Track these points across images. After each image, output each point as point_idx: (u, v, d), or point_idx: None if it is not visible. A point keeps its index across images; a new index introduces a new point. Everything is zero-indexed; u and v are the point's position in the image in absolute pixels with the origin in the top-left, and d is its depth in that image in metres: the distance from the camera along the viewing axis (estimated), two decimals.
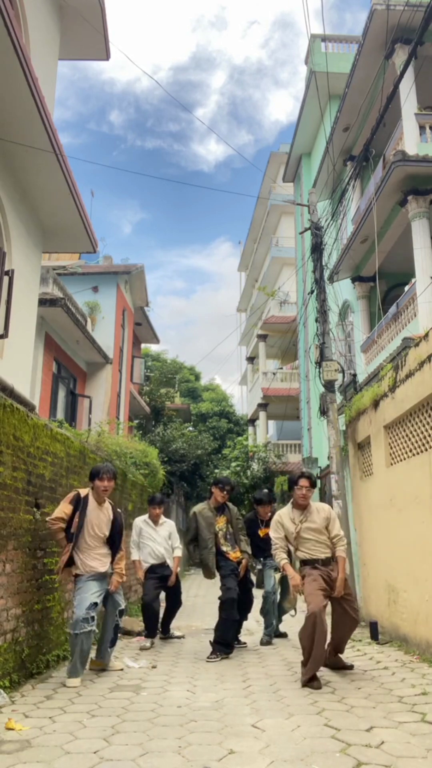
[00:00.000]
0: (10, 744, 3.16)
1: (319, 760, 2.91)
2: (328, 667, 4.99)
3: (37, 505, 5.10)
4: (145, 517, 7.05)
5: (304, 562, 4.99)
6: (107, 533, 5.10)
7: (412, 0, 10.35)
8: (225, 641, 5.80)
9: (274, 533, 5.15)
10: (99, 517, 5.05)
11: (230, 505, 6.38)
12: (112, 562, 5.13)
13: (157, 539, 6.84)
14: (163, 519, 7.03)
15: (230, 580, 5.94)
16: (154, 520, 6.98)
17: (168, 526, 7.01)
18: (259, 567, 7.00)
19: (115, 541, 5.15)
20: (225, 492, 6.28)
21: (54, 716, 3.69)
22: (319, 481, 14.14)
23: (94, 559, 4.96)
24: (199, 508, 6.30)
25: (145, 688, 4.49)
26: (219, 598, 5.98)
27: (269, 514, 7.04)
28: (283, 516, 5.14)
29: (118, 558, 5.18)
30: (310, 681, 4.47)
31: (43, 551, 5.17)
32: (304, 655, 4.60)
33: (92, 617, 4.67)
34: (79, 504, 4.97)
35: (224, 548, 6.11)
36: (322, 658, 4.61)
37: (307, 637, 4.53)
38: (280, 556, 5.06)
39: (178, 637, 6.95)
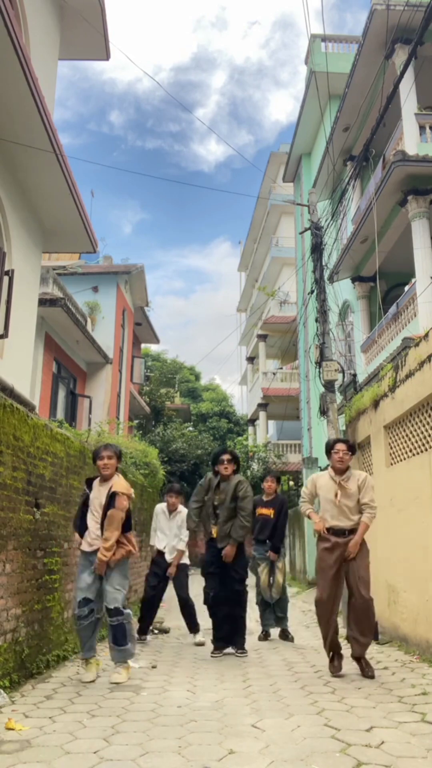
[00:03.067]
0: (10, 744, 3.15)
1: (319, 760, 2.91)
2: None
3: (37, 505, 5.09)
4: (164, 504, 6.96)
5: (329, 530, 4.93)
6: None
7: (412, 0, 10.35)
8: (215, 638, 5.79)
9: (304, 489, 5.20)
10: (99, 495, 4.95)
11: (237, 477, 5.87)
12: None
13: (166, 531, 6.77)
14: (180, 509, 6.89)
15: (209, 581, 5.78)
16: (170, 510, 6.88)
17: (182, 516, 6.83)
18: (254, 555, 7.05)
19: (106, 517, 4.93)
20: (225, 464, 5.83)
21: (54, 716, 3.69)
22: None
23: (90, 537, 4.89)
24: (206, 480, 6.01)
25: (145, 688, 4.49)
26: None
27: (274, 492, 7.10)
28: (320, 477, 5.14)
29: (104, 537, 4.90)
30: (330, 663, 4.92)
31: (43, 551, 5.17)
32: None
33: (86, 613, 4.70)
34: (89, 487, 5.05)
35: (211, 524, 5.82)
36: (327, 638, 4.90)
37: (318, 622, 5.01)
38: (306, 507, 5.14)
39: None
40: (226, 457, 5.86)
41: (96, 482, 5.06)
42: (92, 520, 4.93)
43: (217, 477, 5.92)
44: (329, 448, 5.13)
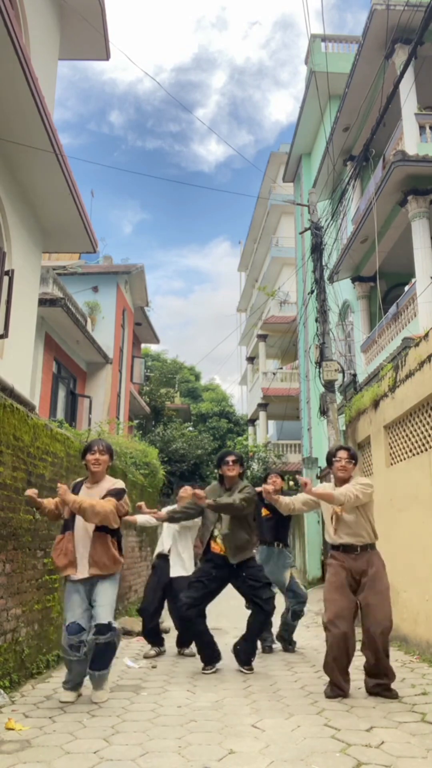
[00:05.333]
0: (10, 744, 3.16)
1: (319, 760, 2.91)
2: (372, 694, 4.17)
3: None
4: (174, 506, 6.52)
5: (338, 548, 4.40)
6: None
7: (412, 0, 10.35)
8: (207, 655, 5.09)
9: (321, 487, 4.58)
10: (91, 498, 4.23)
11: (243, 483, 5.33)
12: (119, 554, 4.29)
13: (173, 531, 6.16)
14: None
15: (191, 590, 5.02)
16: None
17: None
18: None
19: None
20: (230, 465, 5.22)
21: (54, 716, 3.69)
22: (319, 481, 14.14)
23: (84, 557, 4.18)
24: (210, 487, 5.44)
25: (145, 688, 4.49)
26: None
27: (280, 490, 6.51)
28: (327, 487, 4.60)
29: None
30: (328, 687, 4.20)
31: (43, 551, 5.17)
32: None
33: (81, 642, 4.03)
34: (74, 490, 4.32)
35: (215, 532, 5.16)
36: (330, 667, 4.19)
37: (328, 644, 4.24)
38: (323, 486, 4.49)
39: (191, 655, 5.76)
40: (231, 458, 5.31)
41: (84, 488, 4.36)
42: (82, 530, 4.20)
43: (221, 485, 5.35)
44: (331, 456, 4.71)
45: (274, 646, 6.23)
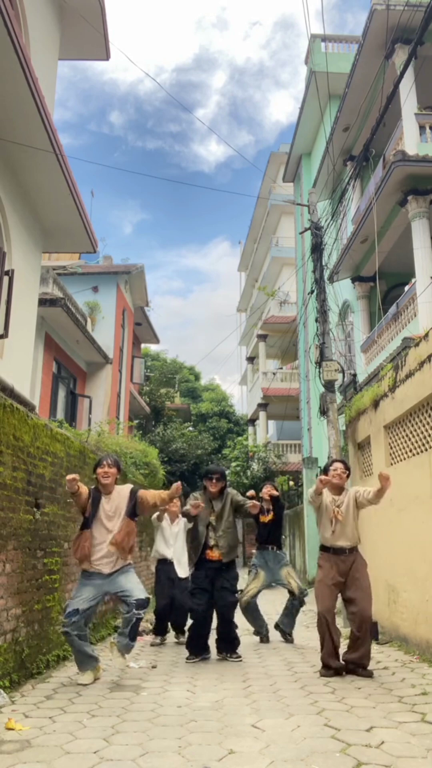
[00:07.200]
0: (10, 744, 3.16)
1: (319, 760, 2.91)
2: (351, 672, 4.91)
3: (37, 505, 5.10)
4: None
5: (329, 549, 5.13)
6: (118, 524, 4.78)
7: (412, 0, 10.35)
8: (190, 646, 5.71)
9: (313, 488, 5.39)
10: (105, 508, 4.79)
11: (230, 491, 5.99)
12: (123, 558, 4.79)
13: (169, 539, 6.78)
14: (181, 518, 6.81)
15: (197, 597, 5.65)
16: (171, 518, 6.85)
17: (183, 522, 6.74)
18: (253, 562, 7.02)
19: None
20: (214, 481, 5.85)
21: (54, 716, 3.69)
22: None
23: (102, 557, 4.68)
24: (197, 494, 6.00)
25: (145, 688, 4.49)
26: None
27: (275, 499, 7.02)
28: (326, 493, 5.34)
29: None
30: (323, 668, 4.92)
31: (43, 551, 5.17)
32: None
33: (73, 623, 4.47)
34: (91, 493, 4.82)
35: (211, 542, 5.72)
36: (327, 650, 4.92)
37: (320, 633, 4.99)
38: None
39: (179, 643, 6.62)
40: (215, 476, 5.90)
41: (102, 497, 4.87)
42: (101, 532, 4.72)
43: (204, 493, 5.94)
44: (327, 467, 5.47)
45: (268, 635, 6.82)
